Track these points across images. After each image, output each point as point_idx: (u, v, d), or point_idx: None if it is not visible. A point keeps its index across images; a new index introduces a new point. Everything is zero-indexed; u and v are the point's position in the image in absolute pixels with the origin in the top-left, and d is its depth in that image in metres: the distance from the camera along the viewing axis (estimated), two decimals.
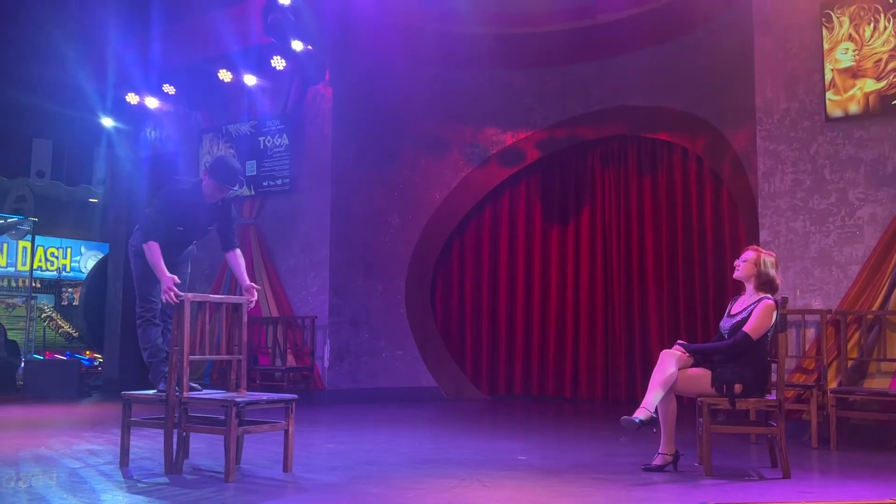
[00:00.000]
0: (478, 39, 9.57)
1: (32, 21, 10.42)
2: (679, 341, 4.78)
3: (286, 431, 4.59)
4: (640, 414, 4.43)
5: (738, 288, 4.98)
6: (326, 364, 9.22)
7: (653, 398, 4.50)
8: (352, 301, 9.55)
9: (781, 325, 4.59)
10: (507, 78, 10.09)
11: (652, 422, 4.46)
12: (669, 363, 4.57)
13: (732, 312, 4.77)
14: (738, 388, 4.51)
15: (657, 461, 4.60)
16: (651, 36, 9.09)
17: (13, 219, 12.75)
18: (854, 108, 6.26)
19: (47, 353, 14.54)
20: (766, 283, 4.70)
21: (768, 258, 4.76)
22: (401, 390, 9.63)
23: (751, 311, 4.61)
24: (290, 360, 9.28)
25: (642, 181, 9.87)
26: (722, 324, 4.82)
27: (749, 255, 4.79)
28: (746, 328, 4.56)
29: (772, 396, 4.62)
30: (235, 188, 4.92)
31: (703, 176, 9.34)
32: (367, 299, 9.71)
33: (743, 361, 4.55)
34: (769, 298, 4.63)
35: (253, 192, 9.94)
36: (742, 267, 4.77)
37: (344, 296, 9.47)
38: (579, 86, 9.85)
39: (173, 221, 4.88)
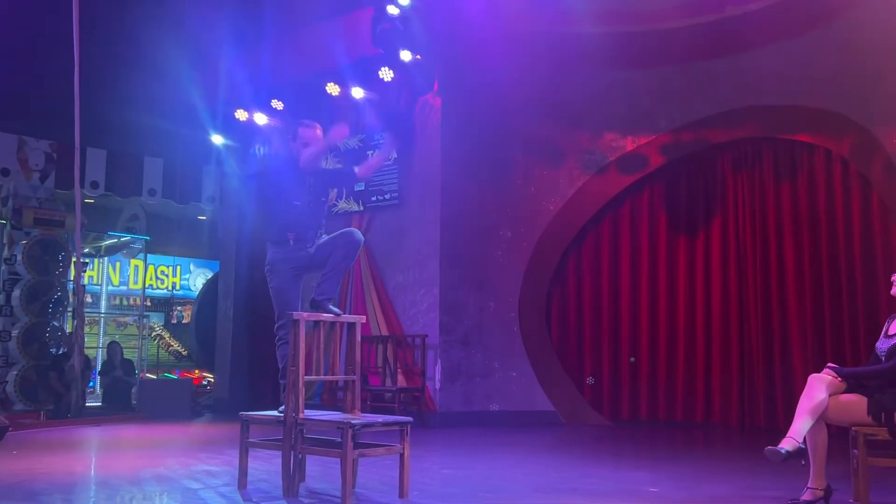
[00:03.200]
0: (594, 39, 9.52)
1: (147, 40, 11.11)
2: (829, 364, 4.60)
3: (402, 455, 4.69)
4: (787, 444, 4.28)
5: (895, 305, 4.75)
6: (438, 385, 9.34)
7: (800, 427, 4.34)
8: (463, 319, 9.65)
9: None
10: (626, 79, 9.98)
11: (800, 453, 4.30)
12: (819, 389, 4.40)
13: (890, 332, 4.55)
14: None
15: (806, 496, 4.43)
16: (787, 28, 8.81)
17: (126, 237, 13.57)
18: None
19: (160, 371, 15.37)
20: None
21: None
22: (515, 414, 9.64)
23: None
24: (401, 381, 9.47)
25: (780, 187, 9.53)
26: (878, 345, 4.61)
27: None
28: None
29: None
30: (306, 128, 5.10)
31: (850, 180, 8.93)
32: (479, 317, 9.78)
33: (886, 382, 4.33)
34: None
35: (361, 208, 10.24)
36: None
37: (455, 314, 9.58)
38: (708, 85, 9.63)
39: (288, 199, 5.03)
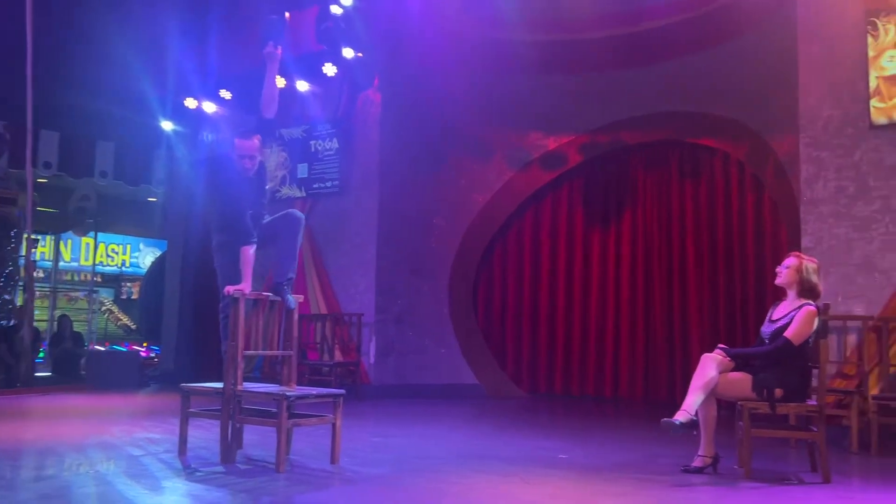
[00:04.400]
0: (524, 46, 9.55)
1: (98, 28, 10.72)
2: (720, 345, 4.74)
3: (334, 425, 4.67)
4: (680, 416, 4.41)
5: (779, 293, 4.92)
6: (372, 360, 9.32)
7: (693, 401, 4.47)
8: (397, 300, 9.64)
9: (823, 331, 4.52)
10: (551, 83, 10.05)
11: (692, 424, 4.43)
12: (710, 367, 4.53)
13: (774, 318, 4.71)
14: (778, 392, 4.46)
15: (697, 463, 4.57)
16: (695, 42, 8.99)
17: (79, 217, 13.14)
18: None
19: (107, 344, 14.95)
20: (808, 290, 4.63)
21: (810, 265, 4.69)
22: (443, 387, 9.69)
23: (792, 317, 4.55)
24: (338, 356, 9.40)
25: (684, 186, 9.76)
26: (763, 329, 4.76)
27: (791, 261, 4.73)
28: (788, 334, 4.50)
29: (813, 402, 4.55)
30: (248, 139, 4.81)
31: (745, 181, 9.20)
32: (412, 298, 9.79)
33: (784, 367, 4.50)
34: (811, 305, 4.56)
35: (304, 194, 10.09)
36: (784, 273, 4.71)
37: (390, 295, 9.56)
38: (623, 91, 9.78)
39: (244, 210, 4.80)
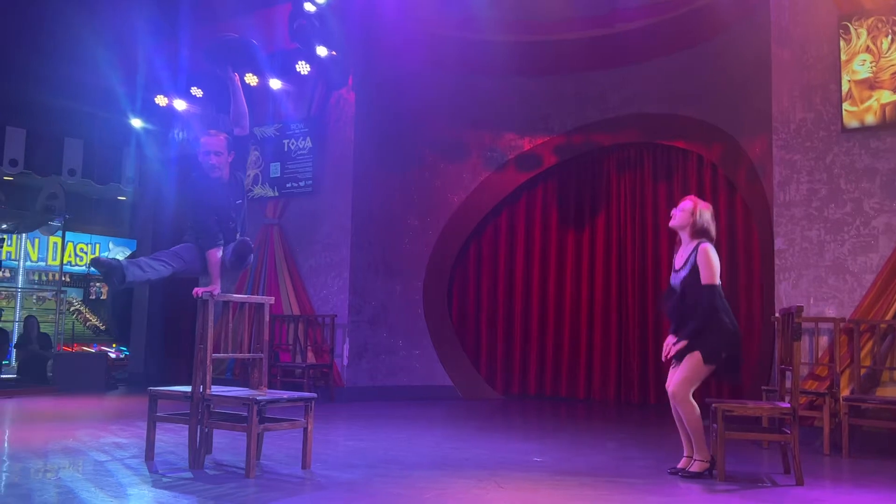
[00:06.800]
0: (498, 47, 9.53)
1: (66, 25, 10.49)
2: (669, 339, 4.70)
3: (305, 429, 4.59)
4: (696, 468, 4.47)
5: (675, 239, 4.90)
6: (346, 362, 9.21)
7: (702, 446, 4.49)
8: (371, 301, 9.54)
9: (796, 333, 4.52)
10: (525, 84, 10.05)
11: (712, 465, 4.48)
12: (688, 402, 4.51)
13: (676, 267, 4.72)
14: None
15: (695, 468, 4.50)
16: (668, 44, 9.03)
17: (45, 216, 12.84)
18: (870, 118, 6.16)
19: (75, 345, 14.65)
20: (701, 232, 4.65)
21: (705, 209, 4.71)
22: (417, 388, 9.62)
23: (693, 260, 4.54)
24: (311, 358, 9.29)
25: (657, 188, 9.79)
26: (672, 280, 4.77)
27: (686, 204, 4.73)
28: (704, 281, 4.48)
29: (785, 404, 4.55)
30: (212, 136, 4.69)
31: (718, 183, 9.24)
32: (386, 299, 9.70)
33: (711, 325, 4.46)
34: (704, 242, 4.57)
35: (276, 194, 9.96)
36: (678, 216, 4.71)
37: (363, 295, 9.47)
38: (596, 93, 9.80)
39: (208, 213, 4.66)
